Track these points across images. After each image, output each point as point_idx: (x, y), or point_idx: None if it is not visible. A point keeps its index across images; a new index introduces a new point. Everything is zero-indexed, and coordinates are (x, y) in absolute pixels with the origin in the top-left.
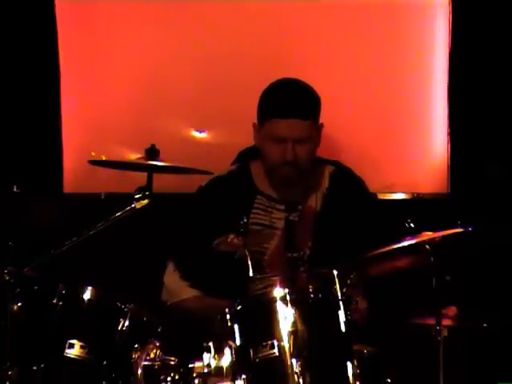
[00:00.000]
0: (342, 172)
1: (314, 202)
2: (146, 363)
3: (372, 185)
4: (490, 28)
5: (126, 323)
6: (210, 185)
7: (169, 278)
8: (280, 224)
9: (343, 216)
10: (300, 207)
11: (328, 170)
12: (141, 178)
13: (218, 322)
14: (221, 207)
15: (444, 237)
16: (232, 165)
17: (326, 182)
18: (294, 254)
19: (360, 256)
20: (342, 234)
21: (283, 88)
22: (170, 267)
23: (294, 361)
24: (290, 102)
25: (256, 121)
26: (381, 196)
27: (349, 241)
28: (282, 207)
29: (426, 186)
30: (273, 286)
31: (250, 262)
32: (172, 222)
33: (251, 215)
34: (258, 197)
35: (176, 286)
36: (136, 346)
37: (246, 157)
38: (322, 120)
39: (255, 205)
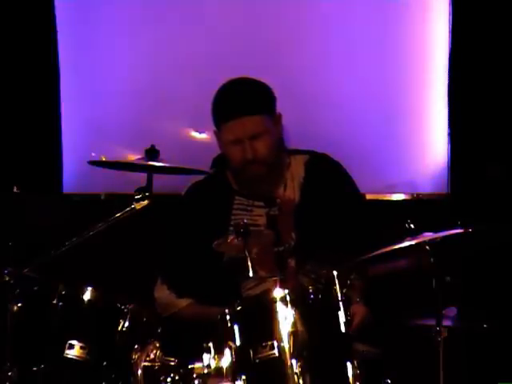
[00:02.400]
0: (317, 159)
1: (292, 192)
2: (146, 364)
3: (372, 185)
4: (490, 28)
5: (126, 324)
6: (188, 192)
7: (158, 292)
8: (262, 220)
9: (323, 202)
10: (279, 200)
11: (302, 159)
12: (141, 178)
13: (214, 327)
14: (200, 212)
15: (444, 237)
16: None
17: (301, 172)
18: (280, 248)
19: (360, 257)
20: (324, 219)
21: (226, 90)
22: (159, 281)
23: (293, 361)
24: (234, 102)
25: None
26: (381, 196)
27: (332, 225)
28: (261, 203)
29: (426, 186)
30: (263, 283)
31: (249, 263)
32: (159, 233)
33: (232, 216)
34: (237, 197)
35: (166, 299)
36: (136, 346)
37: (220, 162)
38: (322, 120)
39: (235, 206)
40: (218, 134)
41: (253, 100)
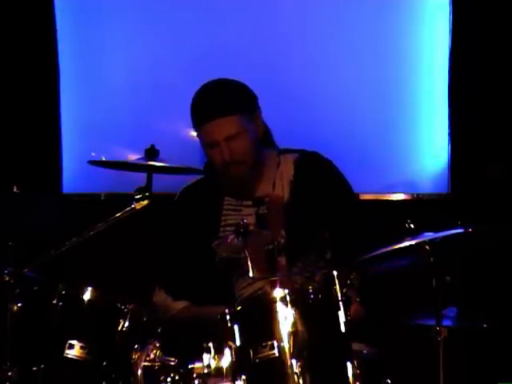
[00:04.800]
0: (307, 157)
1: (281, 191)
2: (146, 364)
3: (372, 185)
4: (491, 28)
5: (126, 324)
6: (179, 196)
7: (156, 297)
8: (251, 220)
9: (313, 199)
10: (267, 199)
11: (292, 158)
12: (140, 178)
13: (213, 327)
14: (192, 215)
15: (444, 237)
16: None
17: (291, 170)
18: (270, 246)
19: (354, 255)
20: (314, 217)
21: (199, 94)
22: (157, 287)
23: (293, 361)
24: (206, 104)
25: None
26: (381, 196)
27: (323, 223)
28: (250, 203)
29: (426, 186)
30: (255, 282)
31: (249, 263)
32: (159, 233)
33: (222, 217)
34: (226, 198)
35: (163, 303)
36: (136, 346)
37: (211, 165)
38: (321, 120)
39: (224, 207)
40: (199, 137)
41: (225, 101)
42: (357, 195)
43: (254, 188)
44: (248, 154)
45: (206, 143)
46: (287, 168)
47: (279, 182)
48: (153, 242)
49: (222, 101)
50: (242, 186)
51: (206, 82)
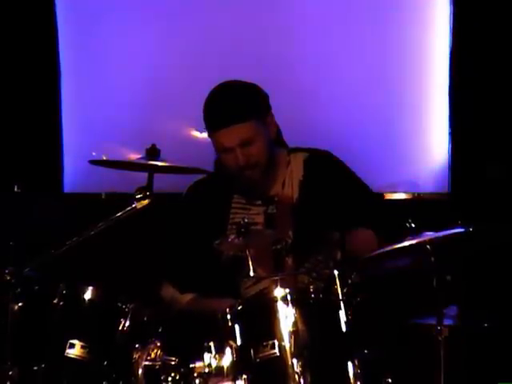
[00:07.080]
0: (317, 156)
1: (291, 191)
2: (147, 363)
3: (373, 184)
4: (491, 28)
5: (127, 323)
6: (188, 191)
7: (164, 292)
8: (260, 219)
9: (322, 199)
10: (276, 198)
11: (301, 157)
12: (141, 177)
13: (216, 323)
14: (200, 211)
15: (444, 237)
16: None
17: (300, 170)
18: (278, 246)
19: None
20: (323, 217)
21: (212, 100)
22: (164, 282)
23: (294, 361)
24: (220, 112)
25: None
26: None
27: (331, 222)
28: (259, 202)
29: (426, 185)
30: (261, 282)
31: (250, 262)
32: (160, 233)
33: (230, 215)
34: (235, 196)
35: (171, 296)
36: (137, 345)
37: (222, 165)
38: (322, 120)
39: (233, 205)
40: (211, 140)
41: (238, 108)
42: (379, 194)
43: (266, 188)
44: (262, 158)
45: (220, 149)
46: (297, 167)
47: (289, 182)
48: (160, 236)
49: (236, 107)
50: (255, 188)
51: (217, 84)
